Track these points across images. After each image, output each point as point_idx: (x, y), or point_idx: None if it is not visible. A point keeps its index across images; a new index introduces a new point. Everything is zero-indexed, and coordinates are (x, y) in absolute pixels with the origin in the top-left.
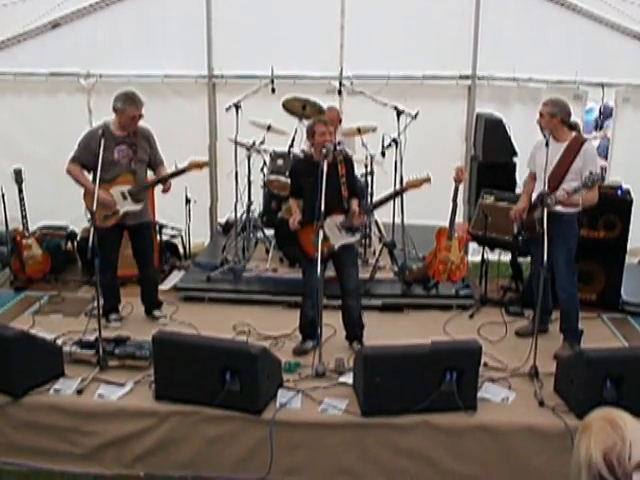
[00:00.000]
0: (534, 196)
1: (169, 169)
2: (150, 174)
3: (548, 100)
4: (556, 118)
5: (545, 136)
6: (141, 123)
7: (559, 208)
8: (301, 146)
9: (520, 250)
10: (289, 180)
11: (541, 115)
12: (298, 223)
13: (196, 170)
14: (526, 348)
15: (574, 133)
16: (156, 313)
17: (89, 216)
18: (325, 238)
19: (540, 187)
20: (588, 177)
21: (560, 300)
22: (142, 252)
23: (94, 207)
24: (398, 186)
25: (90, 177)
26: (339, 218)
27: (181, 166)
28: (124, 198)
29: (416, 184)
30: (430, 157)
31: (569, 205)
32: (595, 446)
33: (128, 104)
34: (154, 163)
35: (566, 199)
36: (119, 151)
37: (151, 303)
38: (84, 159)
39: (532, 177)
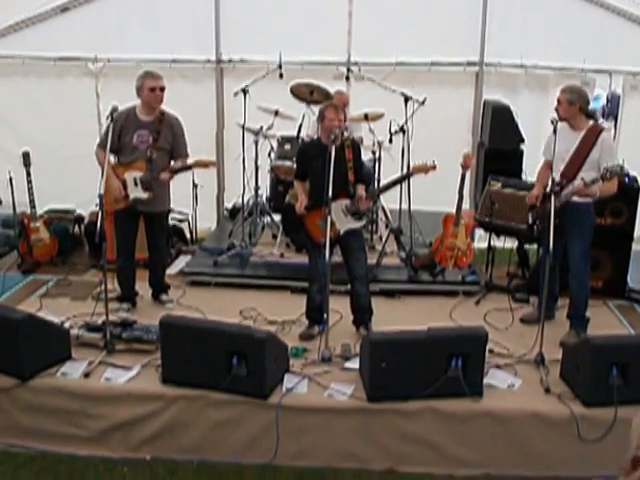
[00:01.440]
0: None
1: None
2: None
3: (566, 87)
4: (574, 106)
5: (553, 122)
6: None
7: (575, 198)
8: (307, 131)
9: (533, 238)
10: (295, 164)
11: (559, 102)
12: (304, 208)
13: (201, 168)
14: (532, 335)
15: (591, 122)
16: (163, 297)
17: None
18: (331, 223)
19: (557, 176)
20: (607, 169)
21: (571, 288)
22: (153, 239)
23: (101, 191)
24: (405, 171)
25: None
26: (345, 202)
27: (188, 162)
28: (135, 184)
29: (422, 169)
30: (437, 143)
31: (586, 195)
32: None
33: (144, 77)
34: (175, 153)
35: (583, 190)
36: (139, 136)
37: (159, 287)
38: (104, 141)
39: (547, 165)
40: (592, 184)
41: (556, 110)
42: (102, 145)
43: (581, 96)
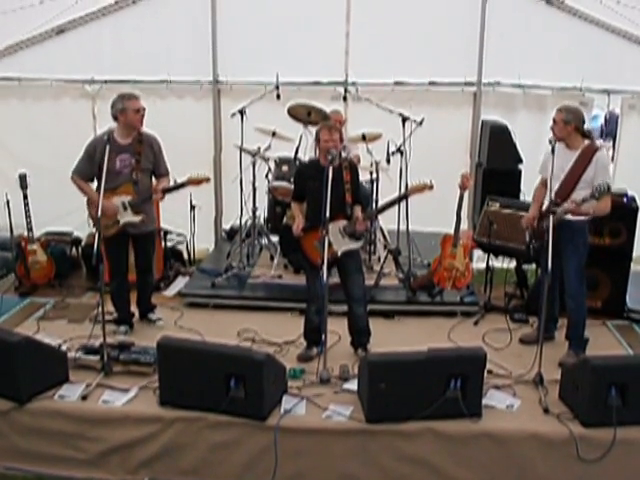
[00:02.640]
0: (545, 203)
1: (172, 181)
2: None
3: (562, 107)
4: (570, 125)
5: (552, 142)
6: (148, 130)
7: (569, 216)
8: (306, 153)
9: (530, 258)
10: (293, 185)
11: (554, 122)
12: (301, 229)
13: (194, 186)
14: (531, 355)
15: (587, 141)
16: (151, 316)
17: (91, 223)
18: (328, 244)
19: (552, 195)
20: (596, 188)
21: (568, 308)
22: (143, 259)
23: (99, 214)
24: (406, 197)
25: (95, 185)
26: (342, 223)
27: (179, 181)
28: (124, 209)
29: (420, 189)
30: (435, 164)
31: (579, 214)
32: None
33: (126, 100)
34: (157, 172)
35: (575, 209)
36: (121, 160)
37: (146, 307)
38: (83, 170)
39: (543, 184)
40: (582, 203)
41: (552, 129)
42: (78, 172)
43: (577, 116)
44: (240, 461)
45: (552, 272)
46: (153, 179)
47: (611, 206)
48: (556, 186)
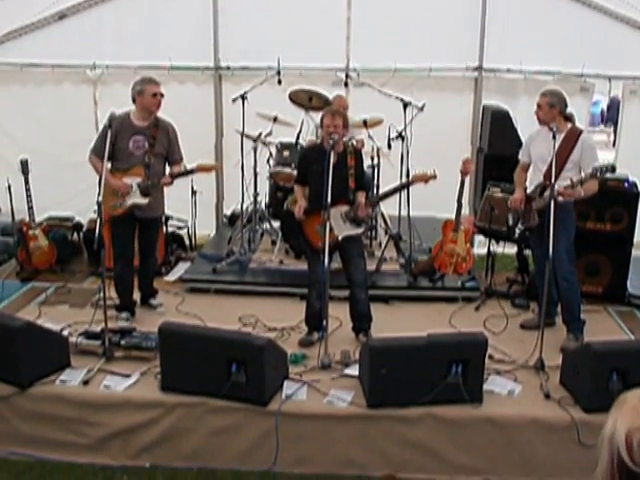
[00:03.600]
0: (530, 187)
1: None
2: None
3: (546, 91)
4: (555, 109)
5: (553, 129)
6: (160, 115)
7: (560, 198)
8: (307, 138)
9: (513, 239)
10: (295, 171)
11: (539, 106)
12: (303, 212)
13: (204, 173)
14: (532, 341)
15: (569, 124)
16: (152, 302)
17: (102, 202)
18: (329, 228)
19: (539, 178)
20: (598, 168)
21: (561, 290)
22: (146, 244)
23: (100, 198)
24: (405, 179)
25: (108, 166)
26: (344, 209)
27: (189, 167)
28: (133, 190)
29: (423, 178)
30: (436, 149)
31: (571, 196)
32: (621, 423)
33: (146, 83)
34: (171, 159)
35: (567, 192)
36: (135, 142)
37: (148, 292)
38: (98, 147)
39: (523, 168)
40: (579, 184)
41: (536, 114)
42: (96, 151)
43: (560, 99)
44: (241, 446)
45: (539, 251)
46: (167, 167)
47: (612, 192)
48: (543, 169)
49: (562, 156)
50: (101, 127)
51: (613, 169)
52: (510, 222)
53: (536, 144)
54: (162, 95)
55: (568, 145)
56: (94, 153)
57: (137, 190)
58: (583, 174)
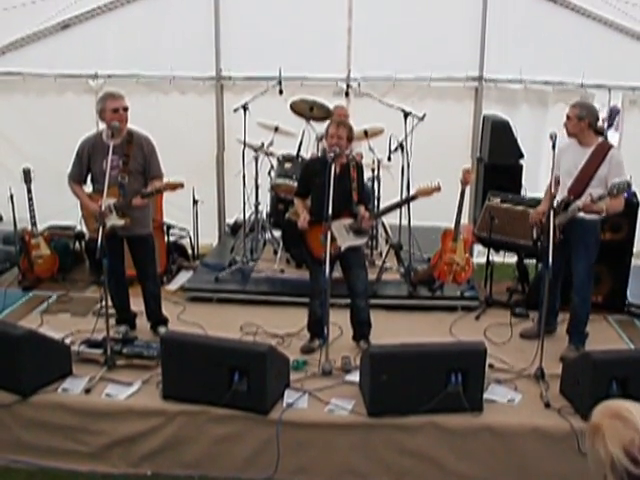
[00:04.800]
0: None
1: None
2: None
3: (576, 103)
4: (583, 121)
5: (552, 137)
6: (144, 130)
7: (581, 214)
8: (309, 149)
9: (536, 254)
10: (297, 182)
11: (568, 118)
12: (307, 223)
13: (170, 191)
14: (532, 350)
15: (600, 138)
16: (161, 330)
17: (84, 225)
18: (332, 239)
19: (564, 193)
20: (614, 185)
21: (573, 303)
22: (139, 265)
23: (102, 207)
24: (407, 193)
25: (90, 188)
26: (347, 221)
27: (157, 185)
28: (110, 211)
29: (427, 192)
30: (437, 159)
31: (592, 212)
32: (613, 446)
33: (105, 99)
34: (148, 174)
35: (589, 206)
36: (110, 161)
37: (154, 319)
38: (75, 173)
39: (556, 181)
40: (599, 200)
41: (565, 125)
42: (71, 177)
43: (591, 112)
44: (242, 455)
45: (553, 267)
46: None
47: None
48: (569, 183)
49: (589, 171)
50: (75, 152)
51: (629, 186)
52: (534, 235)
53: (565, 157)
54: (125, 109)
55: (596, 160)
56: (70, 178)
57: (114, 211)
58: (601, 191)
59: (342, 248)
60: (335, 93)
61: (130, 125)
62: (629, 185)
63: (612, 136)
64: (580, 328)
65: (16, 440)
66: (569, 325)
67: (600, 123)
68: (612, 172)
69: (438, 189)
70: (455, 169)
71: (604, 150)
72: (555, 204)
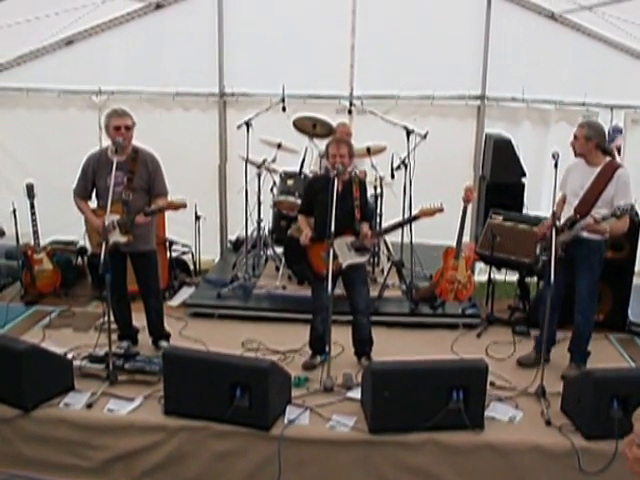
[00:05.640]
0: (562, 220)
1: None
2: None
3: (584, 122)
4: (591, 142)
5: (555, 157)
6: (147, 146)
7: (585, 234)
8: (311, 167)
9: (537, 271)
10: (299, 199)
11: (575, 137)
12: (309, 239)
13: (173, 210)
14: (533, 368)
15: (608, 158)
16: (162, 344)
17: (87, 239)
18: (334, 256)
19: (570, 212)
20: (618, 207)
21: (576, 322)
22: (142, 281)
23: (106, 223)
24: (409, 212)
25: (94, 204)
26: (350, 238)
27: (161, 204)
28: (113, 228)
29: (429, 213)
30: (439, 177)
31: (595, 232)
32: None
33: (110, 117)
34: (153, 192)
35: (593, 226)
36: (114, 177)
37: (157, 334)
38: (80, 188)
39: (563, 199)
40: (602, 221)
41: (572, 145)
42: (76, 192)
43: (599, 132)
44: (244, 471)
45: (555, 285)
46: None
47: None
48: (575, 203)
49: (595, 191)
50: (80, 167)
51: (632, 209)
52: (537, 251)
53: (571, 177)
54: (127, 127)
55: (603, 180)
56: (75, 193)
57: (117, 228)
58: (605, 211)
59: (343, 266)
60: (338, 110)
61: (135, 142)
62: (632, 207)
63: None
64: (582, 347)
65: (18, 454)
66: (571, 343)
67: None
68: (619, 193)
69: (441, 210)
70: (457, 187)
71: (611, 170)
72: (561, 222)
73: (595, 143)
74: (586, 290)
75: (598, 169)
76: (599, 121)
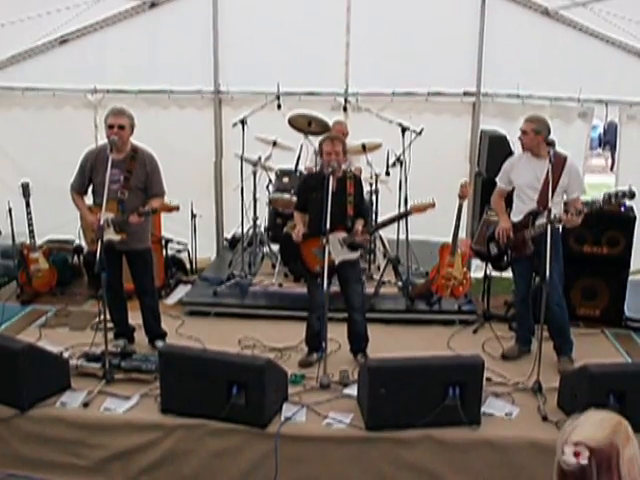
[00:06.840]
0: (516, 216)
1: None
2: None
3: (532, 117)
4: (540, 135)
5: (550, 153)
6: (146, 147)
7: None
8: (306, 163)
9: (503, 267)
10: (295, 197)
11: (524, 132)
12: (302, 236)
13: (166, 212)
14: (529, 363)
15: (551, 150)
16: (158, 343)
17: (82, 236)
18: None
19: (527, 205)
20: (612, 194)
21: (553, 315)
22: (137, 280)
23: (101, 221)
24: (403, 208)
25: (90, 200)
26: (342, 235)
27: (154, 205)
28: (107, 226)
29: (421, 208)
30: (434, 173)
31: (573, 223)
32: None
33: (107, 115)
34: (149, 192)
35: (574, 220)
36: (111, 175)
37: (153, 334)
38: (77, 183)
39: (501, 195)
40: (580, 214)
41: (520, 140)
42: (73, 187)
43: (546, 126)
44: (241, 468)
45: (525, 282)
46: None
47: (609, 215)
48: (535, 196)
49: (552, 181)
50: (78, 162)
51: (632, 195)
52: (493, 252)
53: (519, 171)
54: (121, 126)
55: (557, 171)
56: (72, 188)
57: (111, 226)
58: (559, 199)
59: (336, 262)
60: (333, 108)
61: (133, 140)
62: (631, 193)
63: (601, 155)
64: (567, 336)
65: (14, 454)
66: (555, 339)
67: (580, 136)
68: (572, 181)
69: (432, 205)
70: (453, 183)
71: (561, 161)
72: (522, 217)
73: (543, 136)
74: (558, 278)
75: (546, 161)
76: (593, 117)
